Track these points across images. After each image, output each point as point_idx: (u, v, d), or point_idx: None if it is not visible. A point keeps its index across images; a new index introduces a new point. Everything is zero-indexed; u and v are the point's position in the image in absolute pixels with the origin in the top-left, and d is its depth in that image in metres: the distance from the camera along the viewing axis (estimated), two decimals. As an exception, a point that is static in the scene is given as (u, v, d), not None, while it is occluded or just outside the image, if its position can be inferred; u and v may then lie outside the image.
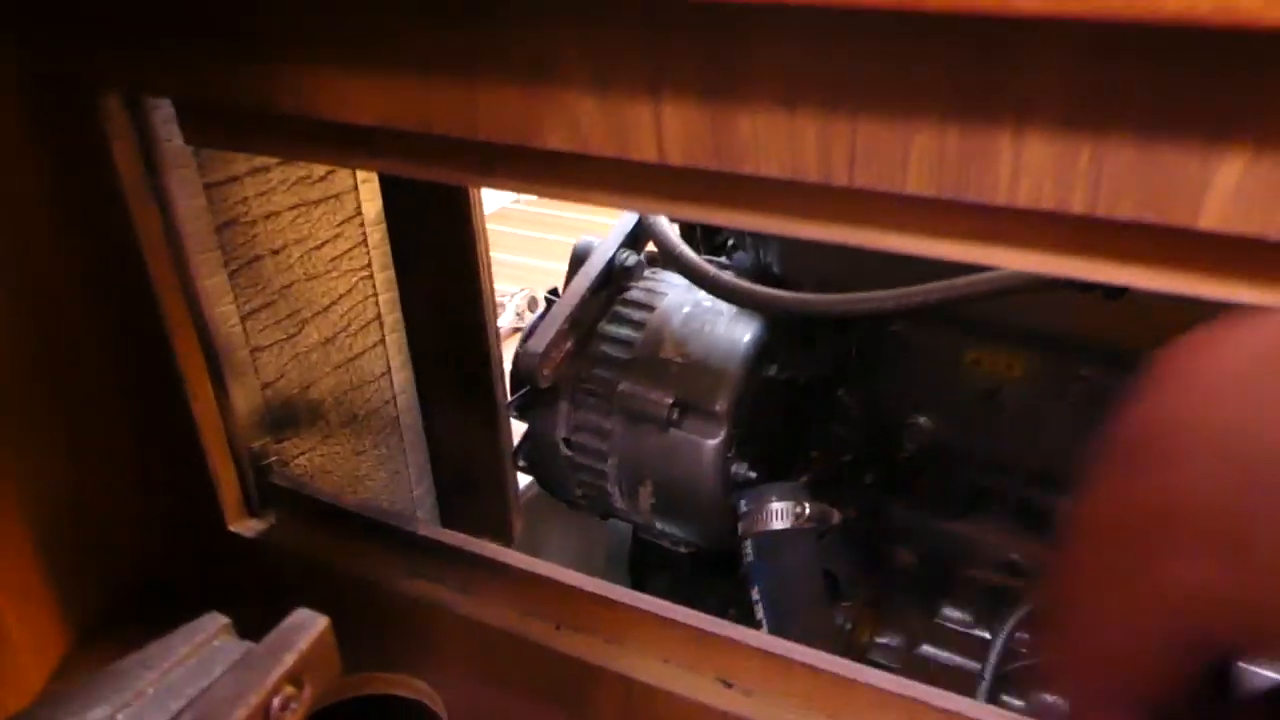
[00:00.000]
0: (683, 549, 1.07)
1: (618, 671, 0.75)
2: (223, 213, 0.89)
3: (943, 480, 1.12)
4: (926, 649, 1.36)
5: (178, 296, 0.83)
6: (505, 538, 1.30)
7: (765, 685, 0.71)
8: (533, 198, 2.80)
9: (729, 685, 0.72)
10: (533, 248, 2.94)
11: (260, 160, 0.91)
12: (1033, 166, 0.40)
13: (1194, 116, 0.37)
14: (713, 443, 0.92)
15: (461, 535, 0.82)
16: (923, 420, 1.02)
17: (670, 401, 0.92)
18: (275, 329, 0.97)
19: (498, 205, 2.64)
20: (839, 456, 1.03)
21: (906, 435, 1.02)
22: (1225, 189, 0.37)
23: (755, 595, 0.92)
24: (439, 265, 1.15)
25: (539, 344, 0.92)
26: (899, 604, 1.27)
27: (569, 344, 0.95)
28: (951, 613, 1.25)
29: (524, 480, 1.34)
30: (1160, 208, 0.39)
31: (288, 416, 1.00)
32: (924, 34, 0.39)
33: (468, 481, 1.25)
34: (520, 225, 2.28)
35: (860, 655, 1.28)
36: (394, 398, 1.13)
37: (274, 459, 0.99)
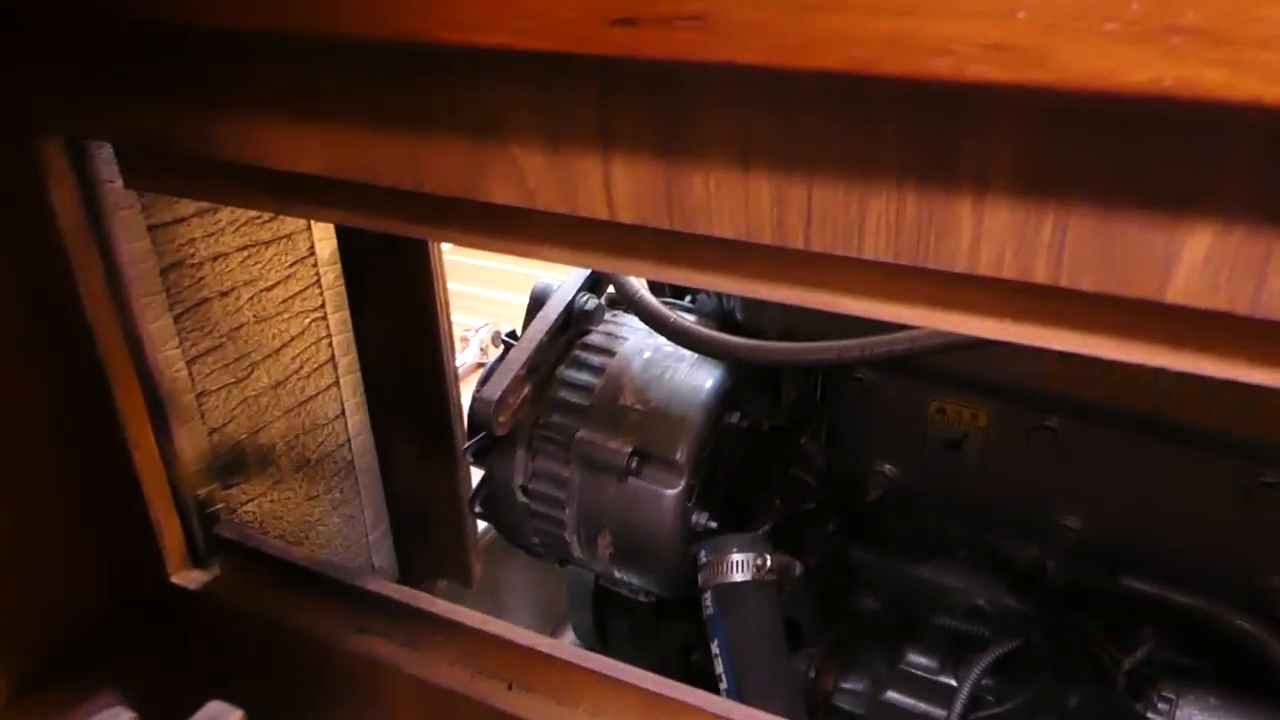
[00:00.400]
0: (642, 597, 1.04)
1: (571, 735, 0.72)
2: (168, 255, 0.86)
3: (907, 527, 1.11)
4: (891, 695, 1.34)
5: (119, 341, 0.81)
6: (464, 581, 1.27)
7: (723, 750, 0.69)
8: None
9: (686, 750, 0.70)
10: (495, 279, 2.91)
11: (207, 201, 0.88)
12: (994, 235, 0.39)
13: (1161, 190, 0.35)
14: (672, 492, 0.90)
15: (411, 591, 0.80)
16: (887, 468, 1.01)
17: (629, 450, 0.90)
18: (223, 373, 0.94)
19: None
20: (802, 504, 1.02)
21: (870, 483, 1.01)
22: (1193, 263, 0.36)
23: (715, 648, 0.90)
24: (395, 306, 1.12)
25: (495, 390, 0.90)
26: (863, 650, 1.25)
27: (526, 389, 0.93)
28: (917, 659, 1.24)
29: (484, 524, 1.31)
30: (1126, 281, 0.37)
31: (236, 462, 0.97)
32: (879, 99, 0.38)
33: (425, 525, 1.22)
34: (482, 256, 2.26)
35: (824, 701, 1.26)
36: (349, 441, 1.10)
37: (221, 506, 0.96)
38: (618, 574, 0.99)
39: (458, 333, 1.76)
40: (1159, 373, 0.82)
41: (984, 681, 1.13)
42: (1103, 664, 1.04)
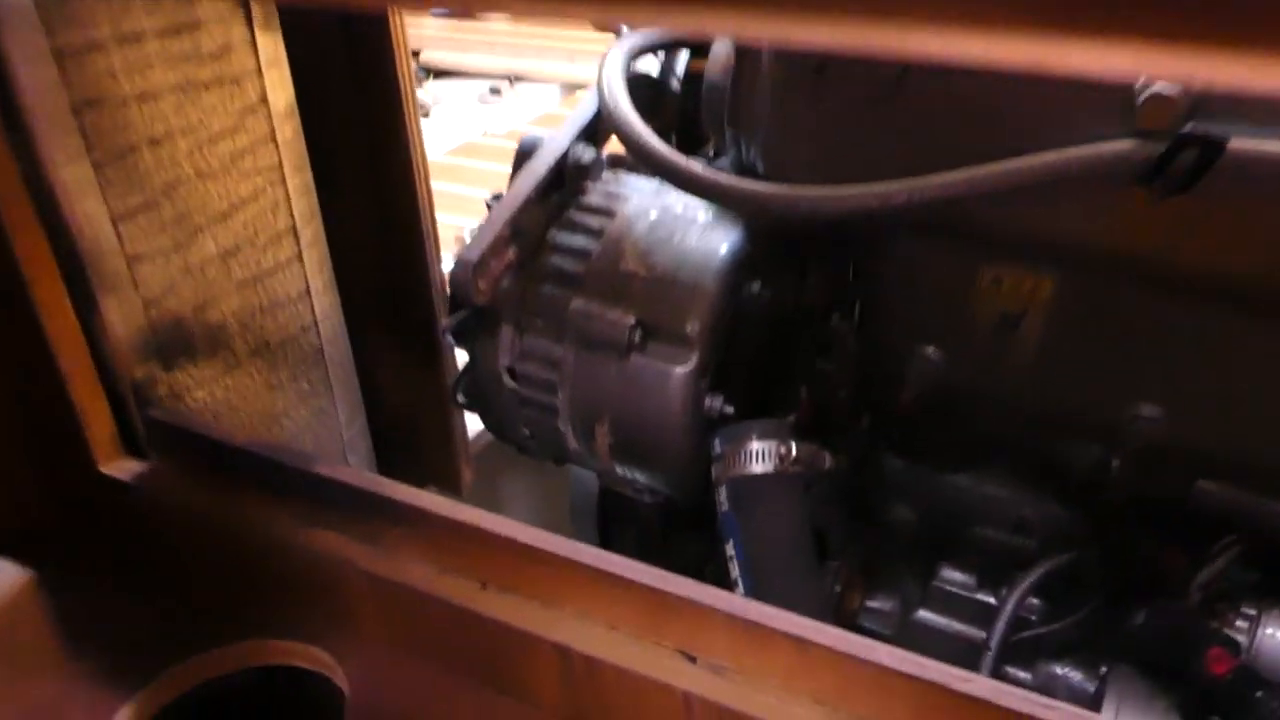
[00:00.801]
0: (647, 498, 0.92)
1: (554, 641, 0.60)
2: (82, 88, 0.73)
3: (950, 425, 0.97)
4: (924, 615, 1.22)
5: (17, 186, 0.68)
6: (454, 488, 1.16)
7: (737, 659, 0.57)
8: (502, 130, 2.62)
9: (692, 659, 0.58)
10: (501, 183, 2.76)
11: (129, 25, 0.75)
12: None
13: None
14: (682, 370, 0.77)
15: (373, 476, 0.67)
16: (930, 353, 0.87)
17: (631, 322, 0.77)
18: (159, 235, 0.81)
19: (464, 139, 2.47)
20: (831, 395, 0.89)
21: (910, 371, 0.88)
22: None
23: (730, 551, 0.78)
24: (367, 172, 0.99)
25: (474, 252, 0.77)
26: (893, 565, 1.13)
27: (511, 253, 0.80)
28: (952, 574, 1.11)
29: (478, 425, 1.19)
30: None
31: (180, 341, 0.84)
32: None
33: (407, 424, 1.10)
34: (488, 159, 2.11)
35: (849, 621, 1.13)
36: (315, 324, 0.98)
37: (165, 392, 0.84)
38: (620, 471, 0.87)
39: (450, 234, 1.62)
40: (1271, 228, 0.68)
41: (1028, 600, 1.01)
42: (1168, 580, 0.92)
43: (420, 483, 1.16)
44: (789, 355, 0.89)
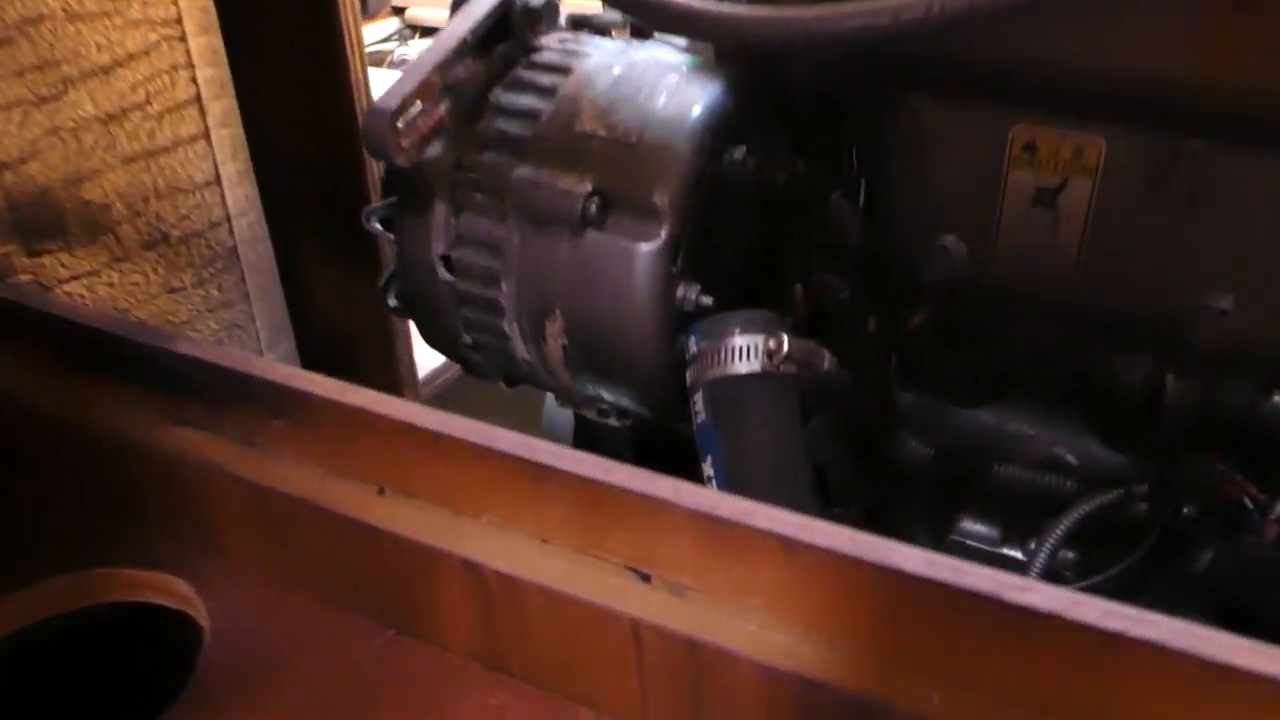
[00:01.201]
0: (614, 421, 0.78)
1: (465, 557, 0.45)
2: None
3: (971, 336, 0.83)
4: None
5: None
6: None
7: (704, 575, 0.42)
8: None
9: (645, 577, 0.43)
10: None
11: None
12: None
13: None
14: (648, 248, 0.62)
15: (244, 355, 0.53)
16: (949, 242, 0.73)
17: (587, 190, 0.62)
18: (15, 82, 0.66)
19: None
20: (830, 293, 0.74)
21: (927, 264, 0.73)
22: None
23: (707, 470, 0.64)
24: (292, 41, 0.84)
25: (392, 99, 0.62)
26: (905, 513, 0.98)
27: (442, 109, 0.66)
28: (973, 526, 0.96)
29: (432, 360, 1.05)
30: None
31: (47, 219, 0.70)
32: None
33: (342, 345, 0.95)
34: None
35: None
36: (228, 220, 0.83)
37: (27, 278, 0.69)
38: (577, 384, 0.72)
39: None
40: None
41: (1062, 553, 0.86)
42: (1237, 516, 0.77)
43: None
44: (780, 244, 0.75)
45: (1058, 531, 0.82)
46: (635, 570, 0.44)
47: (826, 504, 0.91)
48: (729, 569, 0.41)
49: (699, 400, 0.64)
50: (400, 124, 0.63)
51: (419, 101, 0.65)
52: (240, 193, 0.83)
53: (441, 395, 1.11)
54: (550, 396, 0.91)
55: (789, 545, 0.39)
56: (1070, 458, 0.88)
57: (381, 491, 0.49)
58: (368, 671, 0.48)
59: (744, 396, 0.63)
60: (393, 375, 0.96)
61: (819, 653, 0.39)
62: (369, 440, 0.49)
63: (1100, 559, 0.87)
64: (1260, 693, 0.32)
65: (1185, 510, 0.82)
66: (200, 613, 0.52)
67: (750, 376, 0.63)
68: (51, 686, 0.56)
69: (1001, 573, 0.37)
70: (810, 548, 0.38)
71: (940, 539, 1.03)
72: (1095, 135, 0.65)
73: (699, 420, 0.64)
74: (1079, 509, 0.82)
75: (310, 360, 0.96)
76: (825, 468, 0.87)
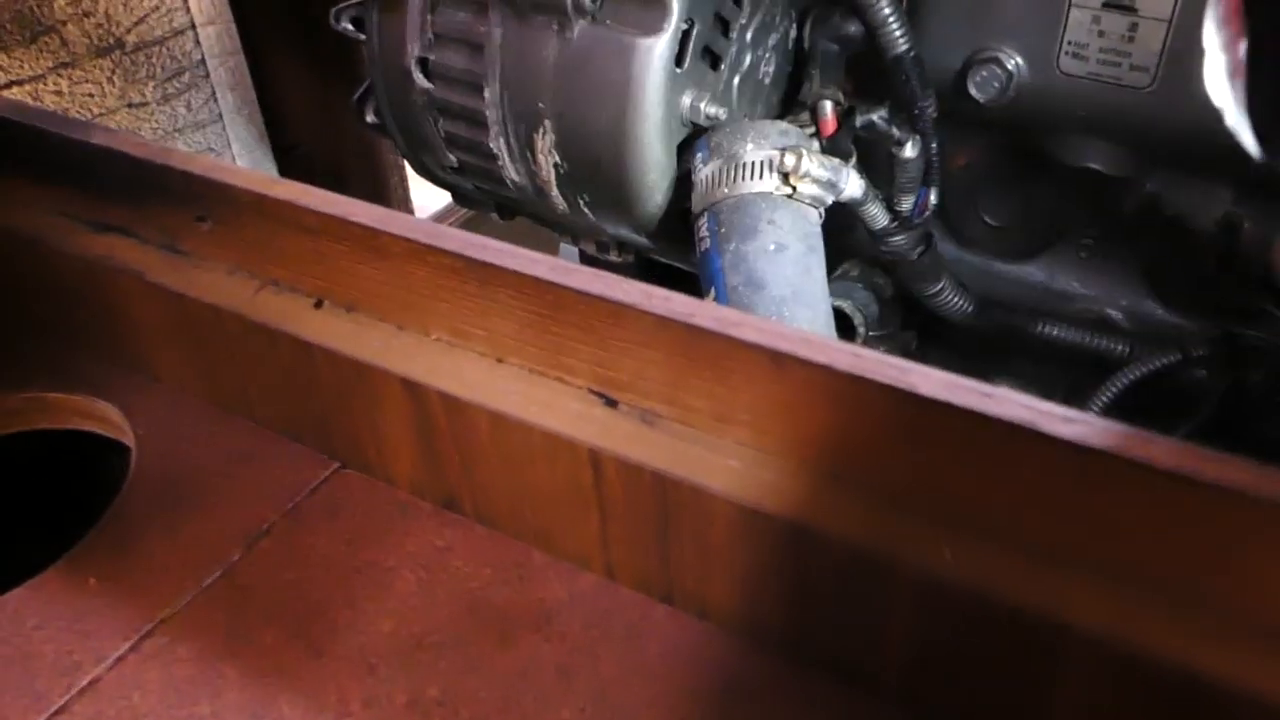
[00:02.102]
0: (615, 256, 0.70)
1: (406, 377, 0.39)
2: None
3: (1022, 171, 0.73)
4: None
5: None
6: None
7: (677, 398, 0.35)
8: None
9: (611, 403, 0.36)
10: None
11: None
12: None
13: None
14: (649, 43, 0.53)
15: (168, 149, 0.45)
16: (1004, 56, 0.62)
17: (580, -28, 0.53)
18: None
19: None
20: (867, 108, 0.64)
21: (974, 81, 0.63)
22: None
23: (712, 300, 0.56)
24: None
25: None
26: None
27: (413, -125, 0.57)
28: (1011, 389, 0.88)
29: (437, 197, 0.97)
30: None
31: (-22, 11, 0.62)
32: None
33: (328, 172, 0.87)
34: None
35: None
36: (193, 29, 0.75)
37: (-39, 80, 0.62)
38: (573, 212, 0.64)
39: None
40: None
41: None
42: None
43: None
44: (810, 51, 0.65)
45: (1107, 394, 0.74)
46: (599, 394, 0.37)
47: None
48: (708, 391, 0.34)
49: (704, 223, 0.56)
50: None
51: None
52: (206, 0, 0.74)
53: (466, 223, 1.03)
54: (564, 242, 0.84)
55: (778, 360, 0.31)
56: (1122, 319, 0.80)
57: (319, 304, 0.43)
58: (302, 503, 0.42)
59: (755, 220, 0.55)
60: (382, 195, 0.89)
61: (811, 493, 0.32)
62: (300, 240, 0.42)
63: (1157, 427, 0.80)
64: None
65: (1249, 376, 0.73)
66: (129, 438, 0.46)
67: (763, 196, 0.55)
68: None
69: (1038, 400, 0.29)
70: (805, 364, 0.31)
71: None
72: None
73: (703, 247, 0.56)
74: (1132, 371, 0.74)
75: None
76: (847, 314, 0.79)
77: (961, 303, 0.81)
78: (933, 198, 0.71)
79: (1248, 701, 0.26)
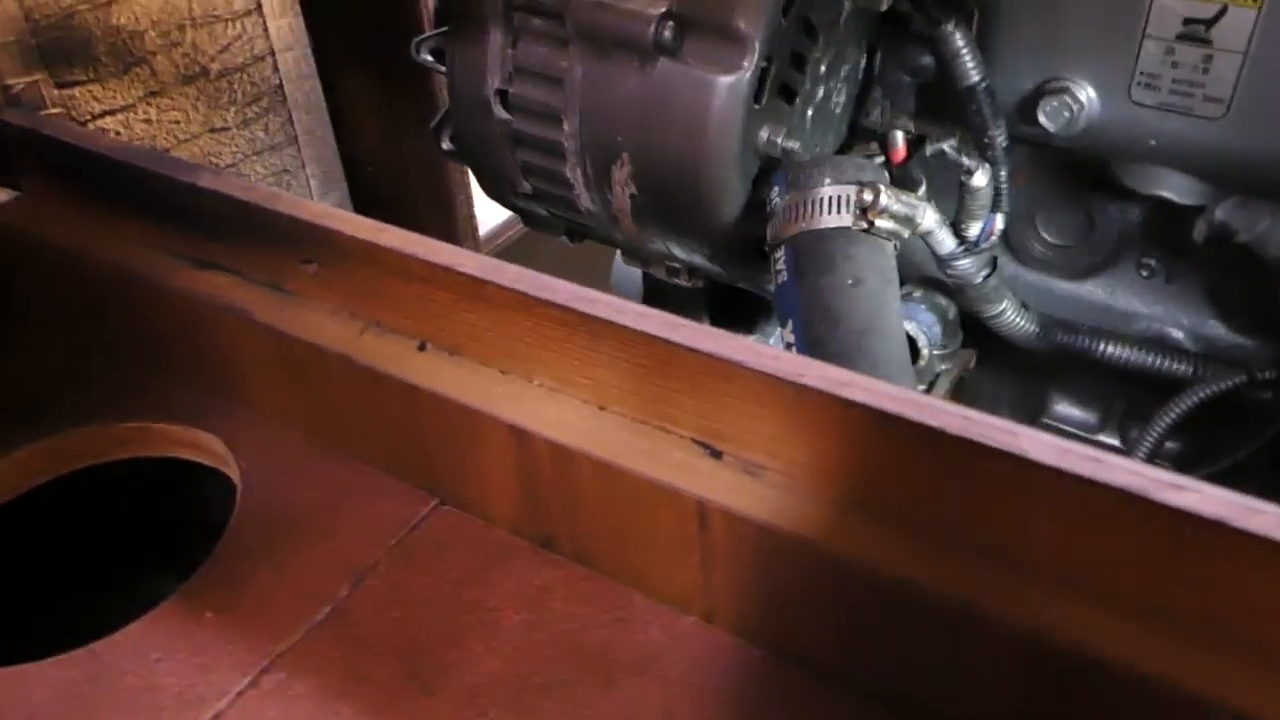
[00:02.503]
0: (685, 281, 0.71)
1: (511, 423, 0.40)
2: None
3: (1093, 195, 0.74)
4: (1026, 459, 1.00)
5: None
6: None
7: (783, 452, 0.36)
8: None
9: (716, 454, 0.38)
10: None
11: None
12: None
13: None
14: (728, 80, 0.55)
15: (275, 192, 0.47)
16: (1076, 85, 0.63)
17: (661, 10, 0.54)
18: (28, -114, 0.60)
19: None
20: (939, 135, 0.65)
21: (1045, 111, 0.64)
22: None
23: (788, 337, 0.57)
24: None
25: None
26: (994, 395, 0.91)
27: (498, -81, 0.58)
28: (1068, 410, 0.89)
29: (496, 215, 0.99)
30: None
31: (71, 46, 0.64)
32: None
33: (396, 194, 0.89)
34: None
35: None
36: (272, 56, 0.76)
37: (58, 110, 0.64)
38: (645, 238, 0.66)
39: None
40: None
41: (1167, 444, 0.79)
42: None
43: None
44: (883, 83, 0.66)
45: (1172, 414, 0.74)
46: (704, 444, 0.38)
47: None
48: (811, 445, 0.35)
49: (781, 257, 0.57)
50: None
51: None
52: (284, 23, 0.76)
53: (503, 255, 1.05)
54: (618, 255, 0.85)
55: (886, 420, 0.32)
56: (1184, 339, 0.80)
57: (423, 347, 0.44)
58: (405, 539, 0.44)
59: (831, 254, 0.55)
60: (451, 230, 0.91)
61: (908, 552, 0.33)
62: (405, 287, 0.43)
63: (1205, 452, 0.80)
64: None
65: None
66: (233, 470, 0.48)
67: (840, 231, 0.55)
68: (80, 537, 0.53)
69: (1146, 467, 0.30)
70: (911, 424, 0.32)
71: (1032, 422, 0.95)
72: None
73: (780, 280, 0.57)
74: (1198, 392, 0.74)
75: (363, 212, 0.90)
76: (913, 338, 0.80)
77: (1024, 323, 0.82)
78: (999, 224, 0.72)
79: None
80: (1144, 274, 0.80)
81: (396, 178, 0.88)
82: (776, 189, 0.58)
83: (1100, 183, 0.73)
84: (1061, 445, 0.31)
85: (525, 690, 0.38)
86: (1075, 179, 0.76)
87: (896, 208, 0.55)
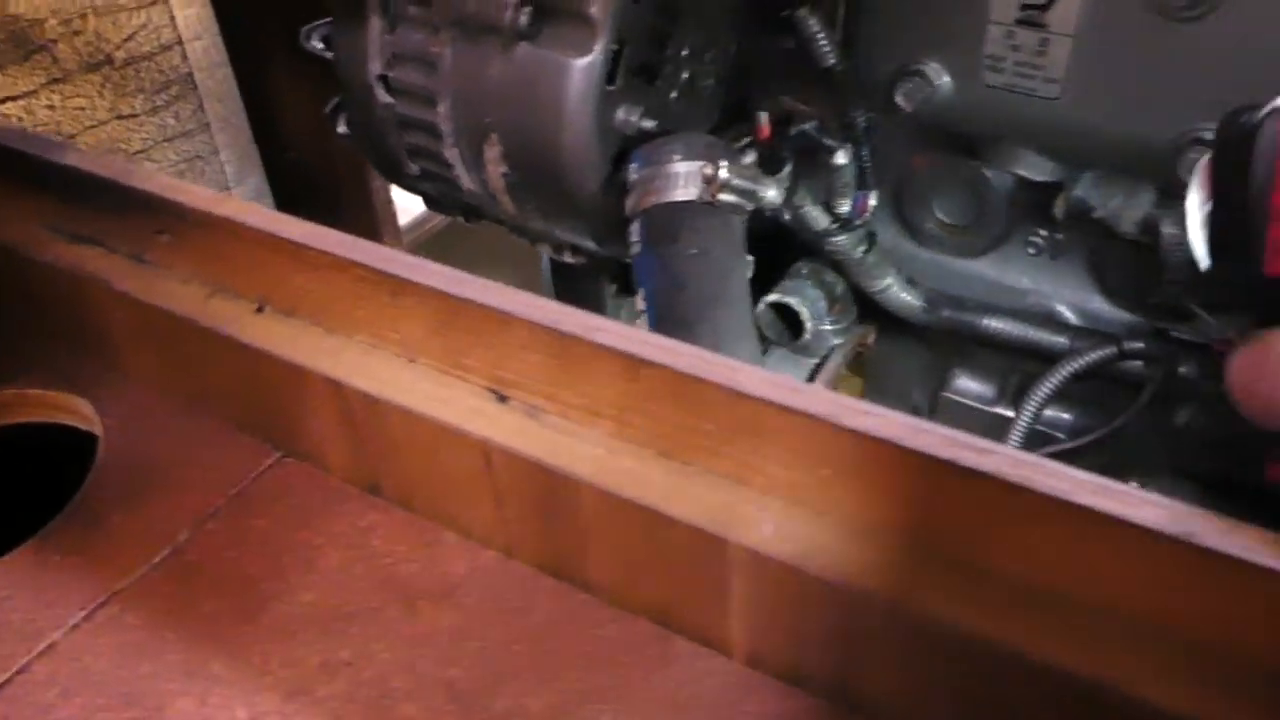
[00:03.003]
0: (569, 258, 0.75)
1: (328, 376, 0.43)
2: None
3: (955, 177, 0.77)
4: (933, 432, 1.03)
5: None
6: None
7: (556, 396, 0.39)
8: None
9: (503, 399, 0.41)
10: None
11: None
12: None
13: None
14: (582, 62, 0.58)
15: (130, 166, 0.50)
16: (929, 69, 0.66)
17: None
18: (-77, -117, 0.63)
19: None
20: (799, 120, 0.69)
21: (901, 92, 0.67)
22: None
23: (640, 304, 0.61)
24: None
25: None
26: (903, 367, 0.95)
27: (366, -90, 0.61)
28: (967, 383, 0.93)
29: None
30: None
31: (-25, 35, 0.67)
32: None
33: (317, 178, 0.93)
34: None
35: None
36: (179, 42, 0.80)
37: (-39, 100, 0.68)
38: (524, 217, 0.69)
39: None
40: None
41: (1050, 412, 0.82)
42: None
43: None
44: (746, 65, 0.69)
45: (1043, 389, 0.78)
46: (494, 391, 0.41)
47: (763, 341, 0.87)
48: (578, 388, 0.38)
49: (635, 230, 0.61)
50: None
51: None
52: (191, 13, 0.79)
53: (429, 241, 1.08)
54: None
55: (632, 363, 0.36)
56: (1069, 313, 0.83)
57: (260, 309, 0.47)
58: (248, 489, 0.47)
59: (678, 224, 0.59)
60: (370, 214, 0.94)
61: (664, 478, 0.37)
62: (241, 252, 0.46)
63: (1092, 418, 0.83)
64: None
65: (1180, 370, 0.76)
66: (98, 428, 0.51)
67: (686, 204, 0.59)
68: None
69: (842, 397, 0.33)
70: (652, 365, 0.35)
71: (935, 394, 0.99)
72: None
73: (634, 251, 0.61)
74: (1068, 365, 0.77)
75: (285, 197, 0.94)
76: (796, 311, 0.83)
77: (909, 298, 0.85)
78: (872, 200, 0.75)
79: None
80: (1031, 251, 0.83)
81: (318, 162, 0.91)
82: (634, 165, 0.61)
83: (977, 163, 0.77)
84: (771, 379, 0.34)
85: (335, 617, 0.41)
86: (963, 160, 0.79)
87: (738, 182, 0.59)
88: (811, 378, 0.89)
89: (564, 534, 0.40)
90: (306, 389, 0.45)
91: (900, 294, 0.84)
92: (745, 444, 0.35)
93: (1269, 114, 0.36)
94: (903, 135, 0.77)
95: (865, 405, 0.33)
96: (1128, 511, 0.29)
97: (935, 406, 1.02)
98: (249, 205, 0.46)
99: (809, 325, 0.81)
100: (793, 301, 0.80)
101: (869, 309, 0.89)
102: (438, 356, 0.42)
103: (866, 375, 0.99)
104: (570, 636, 0.39)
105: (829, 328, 0.86)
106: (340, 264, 0.43)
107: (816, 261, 0.84)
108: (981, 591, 0.32)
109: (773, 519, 0.35)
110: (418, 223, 1.02)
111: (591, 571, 0.40)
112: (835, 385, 0.93)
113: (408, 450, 0.43)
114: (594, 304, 0.88)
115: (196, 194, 0.47)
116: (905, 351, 0.98)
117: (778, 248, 0.88)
